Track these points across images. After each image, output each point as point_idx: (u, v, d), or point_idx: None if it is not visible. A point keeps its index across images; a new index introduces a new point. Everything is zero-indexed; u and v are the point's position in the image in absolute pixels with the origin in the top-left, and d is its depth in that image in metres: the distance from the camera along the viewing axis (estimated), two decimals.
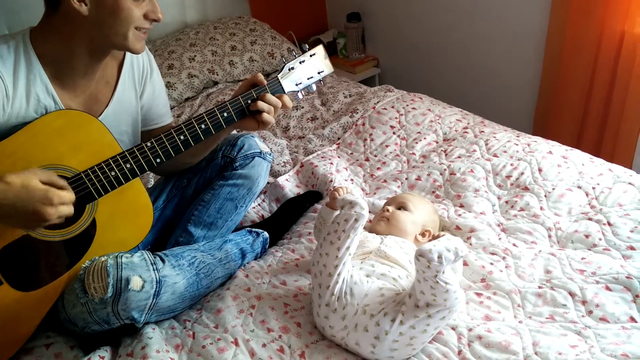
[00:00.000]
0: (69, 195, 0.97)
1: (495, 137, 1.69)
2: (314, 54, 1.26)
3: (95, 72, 1.15)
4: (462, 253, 0.99)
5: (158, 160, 1.12)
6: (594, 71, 1.94)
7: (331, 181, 1.61)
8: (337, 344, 1.08)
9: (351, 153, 1.80)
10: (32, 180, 0.93)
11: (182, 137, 1.13)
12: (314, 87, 1.28)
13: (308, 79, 1.26)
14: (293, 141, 1.94)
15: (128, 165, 1.10)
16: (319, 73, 1.27)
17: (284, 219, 1.53)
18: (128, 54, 1.22)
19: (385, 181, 1.62)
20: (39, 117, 1.07)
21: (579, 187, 1.43)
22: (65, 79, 1.11)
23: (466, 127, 1.81)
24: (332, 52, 2.94)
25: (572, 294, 1.14)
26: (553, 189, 1.43)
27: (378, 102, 1.99)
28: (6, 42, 1.05)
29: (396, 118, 1.89)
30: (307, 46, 1.27)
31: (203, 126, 1.15)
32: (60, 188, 0.97)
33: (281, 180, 1.66)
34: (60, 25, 1.06)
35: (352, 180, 1.67)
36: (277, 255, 1.37)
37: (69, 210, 0.98)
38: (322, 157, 1.75)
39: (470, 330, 1.08)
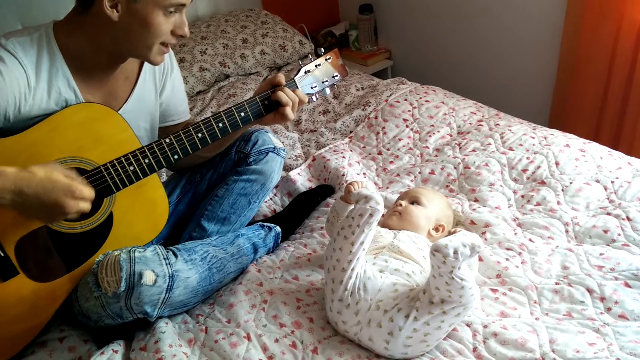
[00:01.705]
0: (89, 191, 0.98)
1: (510, 130, 1.67)
2: (329, 59, 1.29)
3: (115, 70, 1.16)
4: (479, 249, 0.97)
5: (176, 156, 1.13)
6: (612, 62, 1.90)
7: (343, 175, 1.60)
8: (350, 339, 1.08)
9: (363, 147, 1.79)
10: (56, 173, 0.95)
11: (199, 135, 1.15)
12: (328, 91, 1.32)
13: (323, 82, 1.29)
14: (305, 135, 1.92)
15: (147, 161, 1.10)
16: (333, 77, 1.30)
17: (296, 213, 1.52)
18: None
19: (398, 175, 1.61)
20: (59, 109, 1.08)
21: (597, 181, 1.41)
22: (86, 74, 1.12)
23: (481, 120, 1.79)
24: (344, 44, 2.92)
25: (590, 291, 1.12)
26: (570, 183, 1.41)
27: (391, 94, 1.96)
28: (30, 34, 1.06)
29: (409, 111, 1.87)
30: (323, 50, 1.29)
31: (220, 125, 1.16)
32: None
33: (293, 174, 1.66)
34: (88, 25, 1.07)
35: (364, 174, 1.66)
36: (290, 249, 1.36)
37: (87, 206, 0.99)
38: (334, 151, 1.74)
39: (485, 326, 1.07)
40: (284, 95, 1.18)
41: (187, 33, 1.10)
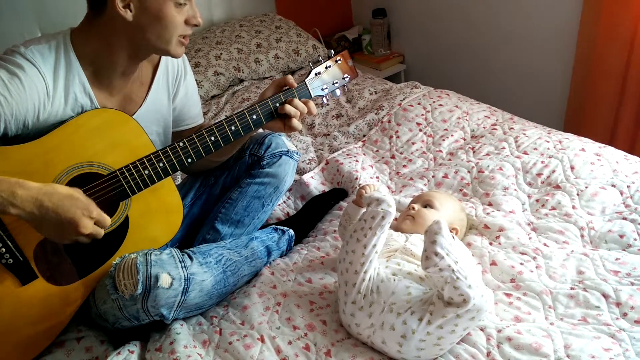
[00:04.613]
0: (106, 218, 1.01)
1: (525, 134, 1.66)
2: (339, 60, 1.30)
3: (132, 73, 1.18)
4: (440, 224, 1.00)
5: (189, 160, 1.15)
6: (628, 65, 1.88)
7: (356, 179, 1.61)
8: (363, 342, 1.08)
9: (377, 150, 1.79)
10: (77, 192, 0.98)
11: (212, 138, 1.16)
12: (338, 93, 1.32)
13: (333, 84, 1.30)
14: (318, 138, 1.93)
15: (161, 165, 1.12)
16: (343, 78, 1.31)
17: (309, 216, 1.53)
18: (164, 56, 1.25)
19: (411, 179, 1.61)
20: (75, 115, 1.10)
21: (613, 186, 1.39)
22: (102, 79, 1.14)
23: (495, 123, 1.78)
24: (357, 48, 2.93)
25: (605, 296, 1.11)
26: (586, 187, 1.40)
27: (404, 98, 1.97)
28: (47, 41, 1.08)
29: (422, 115, 1.87)
30: (333, 52, 1.30)
31: (233, 128, 1.18)
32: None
33: (306, 177, 1.66)
34: (103, 28, 1.08)
35: (377, 177, 1.66)
36: (303, 252, 1.37)
37: (100, 232, 1.01)
38: (348, 155, 1.74)
39: (499, 331, 1.06)
40: (292, 108, 1.19)
41: (200, 21, 1.12)
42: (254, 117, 1.19)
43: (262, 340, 1.09)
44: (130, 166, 1.10)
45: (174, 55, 1.13)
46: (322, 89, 1.28)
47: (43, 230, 0.98)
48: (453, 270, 0.96)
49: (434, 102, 1.92)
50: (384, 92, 2.10)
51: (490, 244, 1.30)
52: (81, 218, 0.96)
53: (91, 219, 0.97)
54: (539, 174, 1.49)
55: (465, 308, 0.97)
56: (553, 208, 1.37)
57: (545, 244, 1.27)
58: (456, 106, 1.88)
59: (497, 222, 1.34)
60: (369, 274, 1.05)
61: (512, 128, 1.71)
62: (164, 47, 1.10)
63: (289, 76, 1.22)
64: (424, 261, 0.99)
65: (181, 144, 1.14)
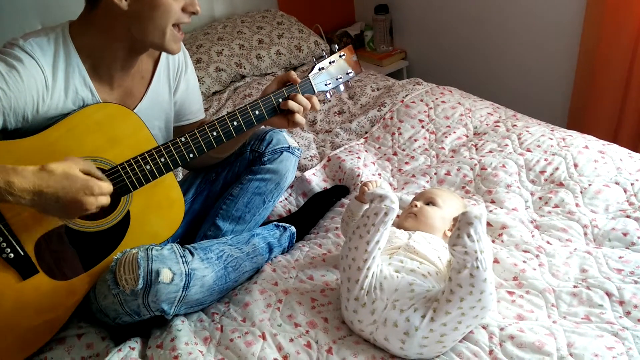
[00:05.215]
0: (107, 186, 1.00)
1: (528, 131, 1.65)
2: (343, 55, 1.28)
3: (131, 67, 1.17)
4: (484, 213, 1.00)
5: (191, 155, 1.14)
6: (633, 61, 1.87)
7: (358, 175, 1.60)
8: (366, 339, 1.07)
9: (379, 147, 1.78)
10: (74, 170, 0.95)
11: (214, 134, 1.15)
12: (342, 88, 1.30)
13: (337, 79, 1.28)
14: (320, 135, 1.93)
15: (163, 160, 1.11)
16: (347, 74, 1.29)
17: (311, 213, 1.53)
18: None
19: (413, 176, 1.60)
20: (76, 108, 1.09)
21: (617, 183, 1.38)
22: (102, 73, 1.13)
23: (498, 120, 1.77)
24: (359, 44, 2.92)
25: (609, 294, 1.10)
26: (589, 185, 1.39)
27: (406, 95, 1.96)
28: (47, 34, 1.07)
29: (425, 112, 1.86)
30: (337, 47, 1.29)
31: (235, 123, 1.17)
32: (99, 179, 0.99)
33: (308, 174, 1.66)
34: (100, 20, 1.08)
35: (379, 174, 1.65)
36: (304, 249, 1.36)
37: (106, 200, 1.00)
38: (350, 151, 1.73)
39: (502, 329, 1.06)
40: (295, 104, 1.18)
41: (198, 10, 1.10)
42: (257, 112, 1.19)
43: (264, 338, 1.08)
44: (132, 161, 1.09)
45: (169, 51, 1.12)
46: (326, 84, 1.27)
47: (47, 213, 0.97)
48: (477, 258, 0.96)
49: (436, 98, 1.91)
50: (386, 89, 2.09)
51: (493, 241, 1.29)
52: (83, 197, 0.94)
53: (93, 195, 0.96)
54: (542, 172, 1.48)
55: (469, 300, 0.96)
56: (556, 206, 1.37)
57: (548, 242, 1.26)
58: (459, 103, 1.88)
59: (500, 219, 1.33)
60: (371, 271, 1.05)
61: (515, 125, 1.71)
62: (159, 40, 1.09)
63: (292, 72, 1.21)
64: (454, 238, 0.99)
65: (183, 139, 1.13)
